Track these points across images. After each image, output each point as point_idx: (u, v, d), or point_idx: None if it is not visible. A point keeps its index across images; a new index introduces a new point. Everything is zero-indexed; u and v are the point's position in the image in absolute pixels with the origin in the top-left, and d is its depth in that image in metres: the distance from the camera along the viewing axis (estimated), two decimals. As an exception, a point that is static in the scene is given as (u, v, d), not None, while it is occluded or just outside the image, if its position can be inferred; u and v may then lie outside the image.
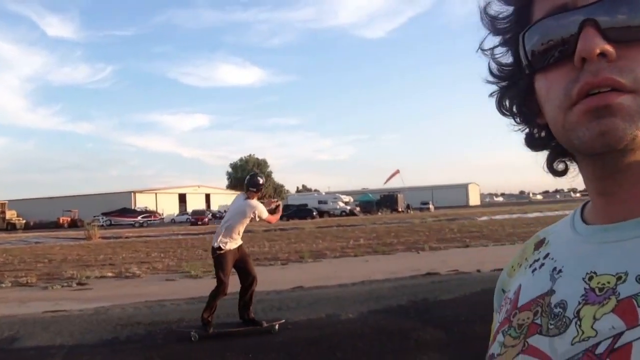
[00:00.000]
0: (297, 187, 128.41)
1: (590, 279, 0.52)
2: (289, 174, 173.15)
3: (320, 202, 60.93)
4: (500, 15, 0.61)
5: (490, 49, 0.64)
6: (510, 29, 0.61)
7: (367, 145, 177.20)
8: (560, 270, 0.57)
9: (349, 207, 59.39)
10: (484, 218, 34.52)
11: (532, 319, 0.56)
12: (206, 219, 49.62)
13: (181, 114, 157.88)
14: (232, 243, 6.17)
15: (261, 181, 6.61)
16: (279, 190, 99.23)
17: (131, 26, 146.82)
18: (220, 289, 6.05)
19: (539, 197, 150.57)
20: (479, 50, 0.64)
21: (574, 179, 0.64)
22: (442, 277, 9.88)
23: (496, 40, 0.63)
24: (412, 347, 5.25)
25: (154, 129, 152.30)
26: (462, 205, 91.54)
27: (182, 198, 79.46)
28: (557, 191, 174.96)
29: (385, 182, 68.06)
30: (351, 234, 23.75)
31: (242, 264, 6.30)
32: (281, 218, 43.98)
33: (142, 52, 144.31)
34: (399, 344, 5.41)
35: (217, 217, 61.39)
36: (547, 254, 0.61)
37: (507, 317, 0.61)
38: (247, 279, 6.27)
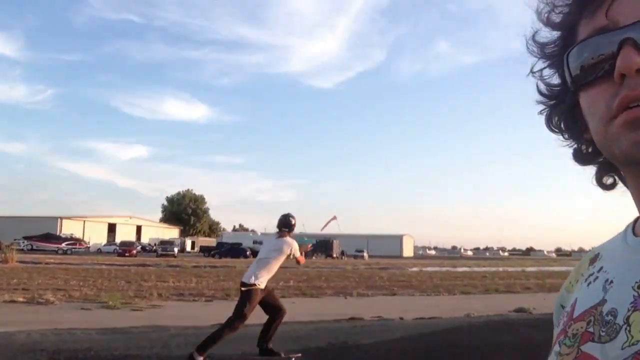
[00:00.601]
0: (234, 226, 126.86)
1: None
2: (228, 213, 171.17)
3: (255, 242, 60.17)
4: (547, 41, 0.67)
5: (538, 70, 0.69)
6: (557, 52, 0.66)
7: (308, 189, 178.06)
8: (611, 281, 0.60)
9: (283, 250, 58.94)
10: (415, 269, 35.12)
11: (585, 328, 0.58)
12: (134, 251, 47.77)
13: (121, 143, 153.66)
14: (267, 280, 6.26)
15: (293, 222, 6.65)
16: (214, 227, 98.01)
17: (78, 52, 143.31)
18: (236, 324, 6.11)
19: (470, 253, 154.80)
20: (530, 73, 0.69)
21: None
22: (365, 322, 9.91)
23: (544, 63, 0.68)
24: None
25: (90, 156, 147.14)
26: (396, 256, 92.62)
27: (112, 228, 76.67)
28: (486, 249, 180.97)
29: (323, 228, 68.36)
30: (282, 275, 23.50)
31: (271, 299, 6.51)
32: (212, 256, 43.13)
33: (87, 78, 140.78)
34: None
35: (147, 250, 59.54)
36: (601, 268, 0.64)
37: (563, 328, 0.63)
38: (277, 312, 6.51)
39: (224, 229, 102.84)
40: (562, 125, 0.69)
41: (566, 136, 0.69)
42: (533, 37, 0.67)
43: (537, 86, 0.70)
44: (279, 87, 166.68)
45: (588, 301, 0.61)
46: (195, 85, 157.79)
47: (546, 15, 0.65)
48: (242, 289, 6.27)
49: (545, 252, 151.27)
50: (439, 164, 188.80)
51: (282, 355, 6.17)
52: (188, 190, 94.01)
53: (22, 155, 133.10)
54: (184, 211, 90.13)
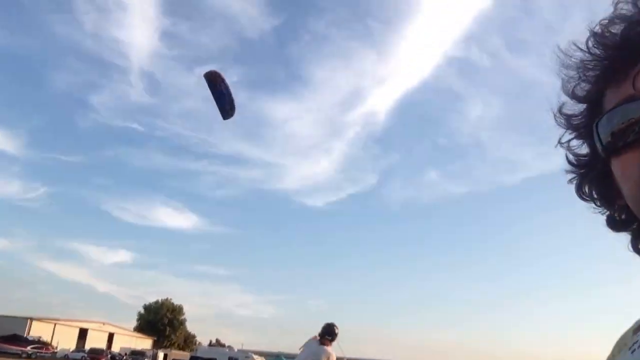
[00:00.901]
0: (210, 340, 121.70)
1: None
2: (205, 326, 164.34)
3: (230, 358, 57.64)
4: (574, 113, 0.70)
5: (566, 141, 0.72)
6: (584, 123, 0.69)
7: (291, 306, 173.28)
8: None
9: (259, 368, 56.36)
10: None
11: None
12: (103, 359, 45.49)
13: (105, 247, 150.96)
14: None
15: (337, 331, 6.73)
16: (189, 340, 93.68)
17: (79, 154, 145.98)
18: None
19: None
20: (558, 144, 0.72)
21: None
22: None
23: (571, 134, 0.71)
24: None
25: (72, 258, 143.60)
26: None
27: (83, 333, 73.16)
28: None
29: (301, 348, 65.64)
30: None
31: None
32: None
33: (83, 180, 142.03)
34: None
35: (117, 359, 56.70)
36: None
37: None
38: None
39: (199, 343, 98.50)
40: (593, 193, 0.70)
41: (598, 204, 0.70)
42: (560, 109, 0.71)
43: (566, 156, 0.72)
44: (271, 203, 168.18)
45: None
46: (189, 195, 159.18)
47: (572, 88, 0.68)
48: None
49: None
50: (425, 292, 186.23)
51: None
52: (167, 299, 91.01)
53: (4, 251, 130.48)
54: (160, 321, 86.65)
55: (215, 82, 8.07)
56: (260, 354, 70.49)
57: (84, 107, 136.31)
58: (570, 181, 0.73)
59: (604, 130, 0.62)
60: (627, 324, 0.72)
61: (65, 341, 64.50)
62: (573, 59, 0.67)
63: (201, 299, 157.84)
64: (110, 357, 55.38)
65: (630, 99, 0.59)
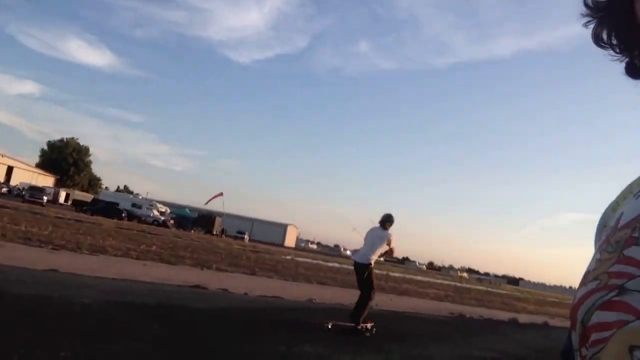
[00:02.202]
0: (118, 187, 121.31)
1: None
2: (116, 172, 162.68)
3: (134, 205, 58.02)
4: None
5: None
6: None
7: (204, 162, 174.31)
8: None
9: (162, 218, 57.40)
10: (288, 257, 35.66)
11: (630, 234, 0.57)
12: (-4, 192, 44.16)
13: (10, 75, 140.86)
14: (374, 260, 8.17)
15: (394, 219, 8.47)
16: (94, 183, 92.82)
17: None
18: (373, 294, 8.11)
19: (349, 252, 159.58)
20: None
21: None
22: (207, 292, 9.94)
23: None
24: (120, 337, 5.18)
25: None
26: (278, 244, 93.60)
27: (-22, 164, 70.38)
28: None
29: (207, 203, 67.10)
30: (147, 240, 22.95)
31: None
32: (84, 212, 40.74)
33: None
34: (106, 333, 5.30)
35: (14, 194, 55.33)
36: None
37: (605, 239, 0.62)
38: (366, 290, 8.09)
39: (106, 187, 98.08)
40: (612, 39, 0.65)
41: (617, 50, 0.66)
42: None
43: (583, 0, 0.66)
44: (194, 52, 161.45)
45: (635, 211, 0.60)
46: (104, 29, 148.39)
47: None
48: (364, 270, 8.06)
49: (417, 264, 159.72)
50: (337, 160, 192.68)
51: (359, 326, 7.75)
52: (73, 138, 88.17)
53: None
54: (64, 160, 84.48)
55: None
56: (166, 204, 71.32)
57: None
58: (585, 25, 0.67)
59: None
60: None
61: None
62: None
63: (112, 144, 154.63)
64: (7, 190, 53.79)
65: None
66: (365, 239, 8.45)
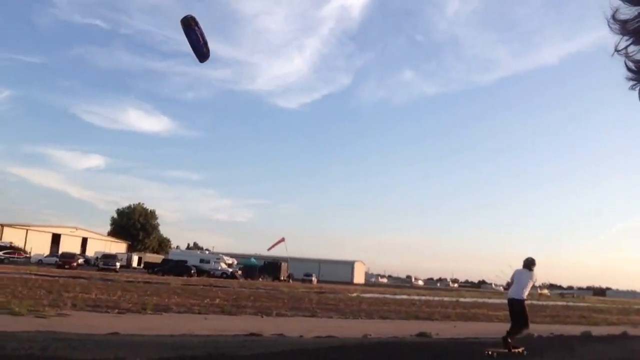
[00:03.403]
0: (188, 244, 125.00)
1: None
2: (181, 230, 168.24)
3: (202, 260, 59.62)
4: (628, 17, 0.66)
5: (624, 48, 0.69)
6: None
7: (266, 211, 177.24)
8: None
9: (230, 270, 58.62)
10: (354, 294, 35.51)
11: None
12: (75, 263, 46.63)
13: (77, 151, 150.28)
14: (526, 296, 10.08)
15: (536, 261, 10.32)
16: (164, 244, 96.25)
17: (40, 54, 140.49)
18: (523, 329, 9.93)
19: (421, 282, 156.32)
20: (615, 52, 0.69)
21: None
22: (261, 338, 10.21)
23: (627, 40, 0.68)
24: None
25: (43, 163, 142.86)
26: (347, 282, 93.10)
27: (56, 239, 74.60)
28: (440, 279, 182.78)
29: (269, 249, 68.17)
30: (212, 293, 23.59)
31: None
32: (155, 273, 42.10)
33: (47, 82, 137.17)
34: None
35: (91, 263, 58.18)
36: None
37: None
38: (521, 320, 9.93)
39: (177, 247, 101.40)
40: None
41: None
42: (613, 15, 0.67)
43: (625, 64, 0.69)
44: (243, 105, 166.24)
45: None
46: (158, 97, 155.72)
47: None
48: (520, 304, 9.93)
49: (493, 285, 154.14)
50: (397, 192, 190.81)
51: (512, 349, 9.52)
52: (139, 203, 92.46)
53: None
54: (133, 226, 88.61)
55: (191, 26, 8.16)
56: (232, 256, 72.82)
57: (41, 2, 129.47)
58: (631, 88, 0.69)
59: None
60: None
61: (39, 247, 65.77)
62: None
63: (176, 204, 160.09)
64: (84, 261, 56.62)
65: None
66: (515, 278, 10.29)
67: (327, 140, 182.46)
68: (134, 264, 71.33)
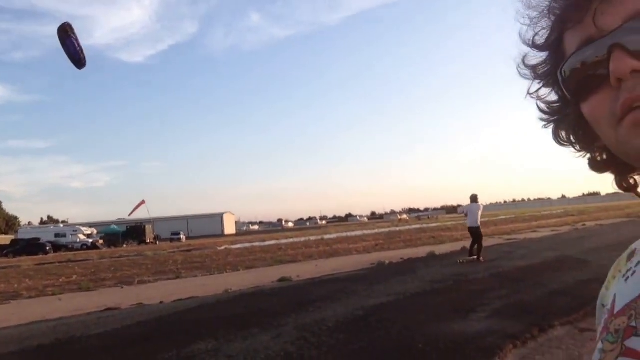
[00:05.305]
0: (42, 219, 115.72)
1: None
2: (34, 204, 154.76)
3: (57, 235, 55.78)
4: (537, 62, 0.68)
5: (535, 92, 0.70)
6: (549, 70, 0.67)
7: (124, 172, 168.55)
8: None
9: (91, 240, 55.61)
10: (223, 247, 35.71)
11: (627, 323, 0.58)
12: None
13: None
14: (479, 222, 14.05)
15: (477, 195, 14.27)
16: (11, 222, 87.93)
17: None
18: (481, 242, 14.01)
19: (291, 224, 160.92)
20: (527, 95, 0.70)
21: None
22: (119, 312, 10.04)
23: (539, 84, 0.69)
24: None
25: None
26: (218, 235, 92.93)
27: None
28: (309, 219, 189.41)
29: (131, 214, 65.58)
30: (69, 270, 22.40)
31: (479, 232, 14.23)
32: (6, 256, 38.82)
33: None
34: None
35: None
36: (638, 262, 0.64)
37: (605, 325, 0.63)
38: (478, 239, 14.00)
39: (29, 223, 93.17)
40: (571, 138, 0.70)
41: (577, 148, 0.70)
42: (523, 61, 0.69)
43: (537, 106, 0.71)
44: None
45: (628, 296, 0.61)
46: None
47: (530, 38, 0.67)
48: (475, 229, 13.98)
49: (358, 217, 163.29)
50: (256, 141, 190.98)
51: (474, 259, 13.75)
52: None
53: None
54: (-29, 208, 79.63)
55: (67, 33, 7.97)
56: (92, 225, 68.97)
57: None
58: (544, 127, 0.72)
59: (569, 76, 0.62)
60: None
61: None
62: (533, 1, 0.64)
63: (21, 177, 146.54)
64: None
65: (589, 41, 0.58)
66: (469, 211, 14.16)
67: (181, 93, 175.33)
68: (-21, 249, 64.67)
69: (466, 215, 14.47)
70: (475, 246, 14.04)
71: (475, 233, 14.01)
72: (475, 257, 13.78)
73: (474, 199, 14.17)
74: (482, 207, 14.32)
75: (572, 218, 38.77)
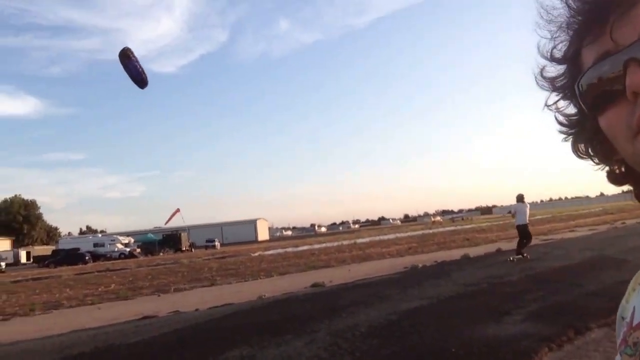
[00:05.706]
0: (80, 229, 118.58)
1: None
2: (73, 215, 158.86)
3: (96, 245, 57.18)
4: (555, 75, 0.69)
5: (553, 104, 0.71)
6: (567, 83, 0.68)
7: (158, 182, 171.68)
8: None
9: (128, 249, 56.80)
10: (257, 254, 35.97)
11: None
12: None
13: None
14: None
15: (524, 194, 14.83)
16: (52, 233, 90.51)
17: None
18: (527, 242, 14.50)
19: (324, 229, 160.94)
20: (545, 107, 0.71)
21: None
22: (156, 320, 10.24)
23: (557, 96, 0.70)
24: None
25: None
26: (251, 241, 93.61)
27: None
28: (342, 223, 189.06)
29: (167, 223, 66.72)
30: (107, 279, 22.93)
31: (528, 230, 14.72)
32: (47, 266, 39.77)
33: None
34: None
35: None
36: None
37: (623, 338, 0.64)
38: (527, 238, 14.54)
39: (69, 233, 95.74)
40: (589, 151, 0.70)
41: (596, 160, 0.70)
42: (541, 73, 0.70)
43: (556, 118, 0.72)
44: (116, 74, 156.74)
45: None
46: (20, 76, 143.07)
47: (549, 52, 0.68)
48: (524, 227, 14.40)
49: (391, 221, 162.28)
50: (290, 146, 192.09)
51: (523, 256, 14.15)
52: (16, 196, 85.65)
53: None
54: (14, 220, 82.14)
55: (128, 57, 8.39)
56: (129, 234, 70.42)
57: None
58: (564, 140, 0.73)
59: (586, 90, 0.63)
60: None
61: None
62: (552, 15, 0.65)
63: (60, 189, 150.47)
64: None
65: (606, 55, 0.59)
66: (517, 210, 14.60)
67: (212, 101, 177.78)
68: (23, 259, 66.70)
69: (514, 214, 14.89)
70: (524, 241, 14.45)
71: (524, 231, 14.43)
72: (525, 254, 14.21)
73: (520, 198, 14.66)
74: (528, 205, 14.90)
75: (610, 216, 37.72)
